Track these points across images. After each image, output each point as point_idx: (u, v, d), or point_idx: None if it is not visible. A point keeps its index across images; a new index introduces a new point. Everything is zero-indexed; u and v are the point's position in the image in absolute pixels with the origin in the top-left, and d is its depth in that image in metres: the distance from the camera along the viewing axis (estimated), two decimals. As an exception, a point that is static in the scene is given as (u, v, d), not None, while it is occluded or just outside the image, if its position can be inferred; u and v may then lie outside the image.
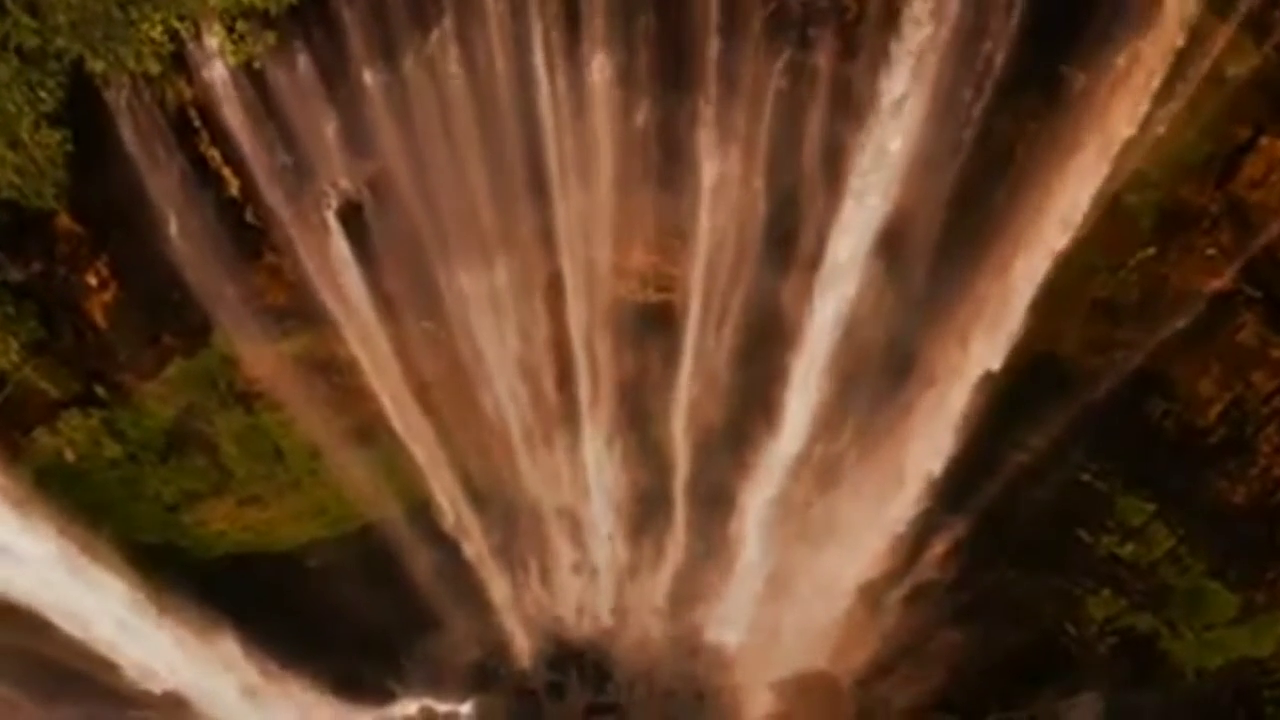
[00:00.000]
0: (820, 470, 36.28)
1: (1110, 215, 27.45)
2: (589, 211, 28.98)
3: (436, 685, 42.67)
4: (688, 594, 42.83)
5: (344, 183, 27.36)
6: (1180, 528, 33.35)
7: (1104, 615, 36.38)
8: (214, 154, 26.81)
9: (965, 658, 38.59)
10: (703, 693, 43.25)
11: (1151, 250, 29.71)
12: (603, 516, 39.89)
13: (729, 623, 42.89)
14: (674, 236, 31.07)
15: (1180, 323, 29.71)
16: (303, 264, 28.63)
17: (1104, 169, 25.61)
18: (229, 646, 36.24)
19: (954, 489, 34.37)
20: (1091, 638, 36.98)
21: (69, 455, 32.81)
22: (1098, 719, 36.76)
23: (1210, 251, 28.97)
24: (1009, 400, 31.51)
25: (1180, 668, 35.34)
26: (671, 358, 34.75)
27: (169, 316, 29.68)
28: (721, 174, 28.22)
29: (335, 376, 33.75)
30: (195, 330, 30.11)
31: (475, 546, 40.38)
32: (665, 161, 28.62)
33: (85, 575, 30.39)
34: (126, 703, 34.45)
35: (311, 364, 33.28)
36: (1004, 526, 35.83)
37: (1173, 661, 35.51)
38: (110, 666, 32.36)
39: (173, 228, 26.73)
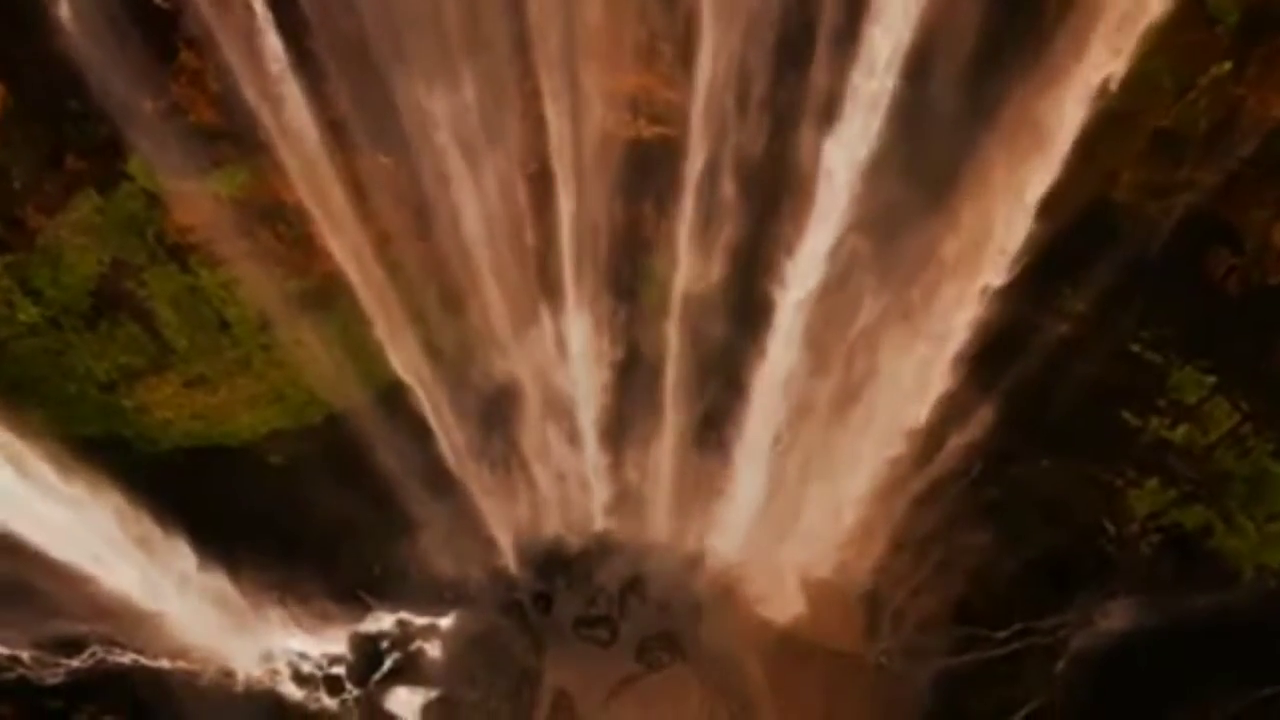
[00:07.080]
0: (836, 344, 32.30)
1: (1185, 15, 23.23)
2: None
3: (413, 596, 40.11)
4: (686, 493, 39.40)
5: (272, -46, 22.88)
6: (1244, 403, 30.17)
7: (1148, 510, 33.36)
8: (106, -98, 22.36)
9: (989, 561, 36.03)
10: (700, 604, 40.34)
11: (1228, 65, 25.95)
12: (588, 401, 36.04)
13: (730, 526, 39.51)
14: (670, 48, 26.62)
15: (1254, 159, 26.22)
16: (228, 66, 24.20)
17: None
18: (185, 553, 33.58)
19: (982, 365, 30.78)
20: (1132, 536, 34.09)
21: (-25, 316, 29.32)
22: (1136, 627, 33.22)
23: (1302, 62, 25.14)
24: (1050, 258, 27.85)
25: (1236, 566, 32.12)
26: (669, 209, 30.56)
27: (71, 130, 25.61)
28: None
29: (281, 226, 30.09)
30: (104, 149, 25.93)
31: (450, 438, 36.95)
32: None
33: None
34: (76, 617, 32.11)
35: (253, 210, 29.58)
36: (1037, 409, 32.53)
37: (1225, 559, 32.30)
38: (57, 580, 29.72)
39: (63, 9, 22.30)
